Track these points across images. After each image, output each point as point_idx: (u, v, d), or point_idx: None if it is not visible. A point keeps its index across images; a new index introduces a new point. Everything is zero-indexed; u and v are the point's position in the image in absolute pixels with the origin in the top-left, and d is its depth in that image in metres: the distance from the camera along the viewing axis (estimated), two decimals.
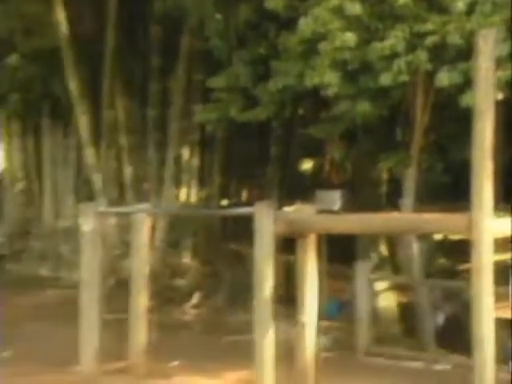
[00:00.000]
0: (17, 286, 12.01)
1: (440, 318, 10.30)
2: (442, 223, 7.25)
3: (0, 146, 15.61)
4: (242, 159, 14.04)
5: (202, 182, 13.03)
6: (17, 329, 9.82)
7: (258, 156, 13.66)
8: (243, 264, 11.89)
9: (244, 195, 15.15)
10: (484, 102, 6.72)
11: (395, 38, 8.15)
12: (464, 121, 8.27)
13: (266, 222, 6.98)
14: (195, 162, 12.68)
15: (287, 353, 7.44)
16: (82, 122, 12.53)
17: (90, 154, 12.58)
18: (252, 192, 14.73)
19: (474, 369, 6.46)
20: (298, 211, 7.55)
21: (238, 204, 14.24)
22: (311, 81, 8.61)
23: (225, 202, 13.87)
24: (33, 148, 14.22)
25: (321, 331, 7.99)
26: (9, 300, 11.23)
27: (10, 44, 12.80)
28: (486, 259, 6.64)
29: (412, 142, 9.71)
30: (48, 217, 13.46)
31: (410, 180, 9.84)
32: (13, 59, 12.82)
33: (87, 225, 8.07)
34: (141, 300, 8.20)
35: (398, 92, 9.01)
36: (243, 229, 12.86)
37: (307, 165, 16.15)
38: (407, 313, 10.42)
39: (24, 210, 14.12)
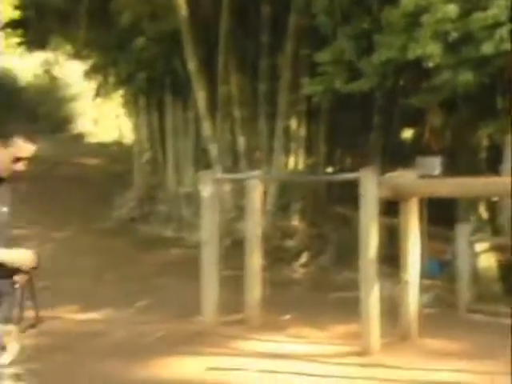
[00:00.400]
0: (145, 245, 12.27)
1: None
2: None
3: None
4: (346, 128, 13.92)
5: (309, 151, 12.97)
6: (147, 283, 10.06)
7: (361, 125, 13.49)
8: (348, 226, 11.81)
9: (348, 162, 14.95)
10: None
11: (498, 8, 7.84)
12: None
13: (371, 186, 6.88)
14: (302, 131, 12.61)
15: (390, 309, 7.38)
16: (200, 97, 12.60)
17: (206, 126, 12.66)
18: (355, 159, 14.52)
19: None
20: (401, 176, 7.39)
21: (343, 171, 14.12)
22: (413, 53, 8.41)
23: (330, 169, 13.74)
24: (157, 122, 14.42)
25: (423, 289, 7.87)
26: (139, 257, 11.49)
27: (137, 28, 12.96)
28: None
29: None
30: (171, 183, 13.65)
31: (510, 146, 9.56)
32: (139, 42, 12.99)
33: (206, 190, 8.14)
34: (254, 259, 8.24)
35: (500, 60, 8.68)
36: (347, 193, 12.78)
37: (408, 133, 15.91)
38: (507, 272, 10.14)
39: (150, 177, 14.36)
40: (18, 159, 3.79)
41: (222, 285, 8.17)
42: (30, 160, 3.84)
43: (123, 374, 6.30)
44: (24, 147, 3.81)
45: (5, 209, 3.87)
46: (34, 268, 3.80)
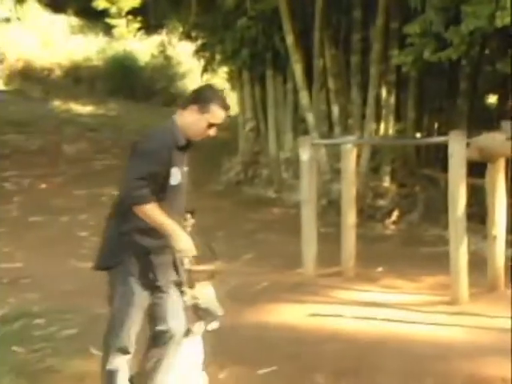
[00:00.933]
0: (250, 204, 12.36)
1: None
2: None
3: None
4: (433, 95, 13.62)
5: (398, 117, 12.70)
6: (252, 238, 10.14)
7: (448, 92, 13.15)
8: (435, 186, 11.58)
9: (435, 128, 14.57)
10: None
11: None
12: None
13: (459, 148, 6.67)
14: (392, 100, 12.34)
15: (478, 262, 7.23)
16: (297, 69, 12.51)
17: (303, 97, 12.57)
18: (442, 124, 14.13)
19: None
20: (489, 139, 7.13)
21: (430, 135, 13.83)
22: (501, 21, 8.02)
23: (418, 134, 13.43)
24: (259, 94, 14.39)
25: (509, 243, 7.63)
26: (245, 216, 11.57)
27: (240, 9, 12.94)
28: None
29: None
30: (272, 149, 13.63)
31: None
32: (242, 21, 12.98)
33: (304, 155, 8.10)
34: (349, 216, 8.18)
35: None
36: (434, 156, 12.53)
37: (492, 98, 15.41)
38: None
39: (253, 144, 14.38)
40: (211, 125, 3.83)
41: (320, 240, 8.16)
42: (219, 126, 3.87)
43: (235, 318, 6.34)
44: (218, 114, 3.82)
45: (186, 168, 3.92)
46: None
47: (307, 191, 8.13)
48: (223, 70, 17.23)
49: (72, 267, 8.22)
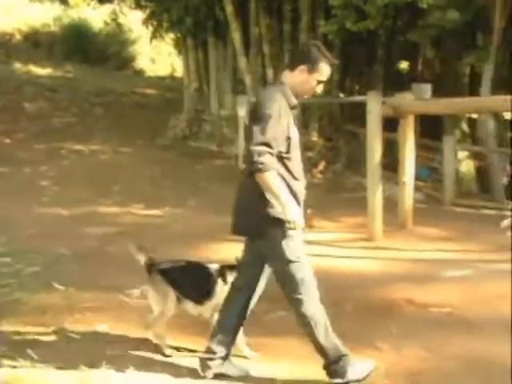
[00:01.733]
0: (195, 156, 12.27)
1: (506, 178, 9.89)
2: None
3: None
4: (355, 61, 13.62)
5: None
6: (196, 186, 10.09)
7: (367, 58, 13.19)
8: (357, 140, 11.71)
9: (356, 89, 14.64)
10: None
11: None
12: None
13: (376, 106, 6.74)
14: None
15: (390, 205, 7.37)
16: (236, 36, 12.37)
17: (242, 61, 12.47)
18: (362, 86, 14.23)
19: None
20: (401, 98, 7.23)
21: (352, 95, 13.90)
22: None
23: (342, 94, 13.50)
24: (202, 58, 14.19)
25: (416, 189, 7.81)
26: (190, 167, 11.50)
27: None
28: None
29: (491, 42, 9.11)
30: (214, 107, 13.53)
31: (488, 73, 9.31)
32: None
33: (242, 112, 8.05)
34: None
35: (481, 1, 8.39)
36: (356, 114, 12.64)
37: (404, 64, 15.54)
38: (483, 174, 10.01)
39: (197, 103, 14.22)
40: (319, 82, 3.56)
41: None
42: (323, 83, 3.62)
43: (182, 255, 6.33)
44: (326, 71, 3.54)
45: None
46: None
47: (245, 145, 8.11)
48: (170, 37, 16.86)
49: (35, 213, 8.08)
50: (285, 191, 3.39)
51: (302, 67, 3.49)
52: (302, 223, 3.42)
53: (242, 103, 8.09)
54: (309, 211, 8.37)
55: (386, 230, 6.98)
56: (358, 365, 3.54)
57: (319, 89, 3.61)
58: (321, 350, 3.53)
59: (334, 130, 12.45)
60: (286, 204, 3.36)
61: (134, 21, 22.18)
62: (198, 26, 13.32)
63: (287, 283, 3.57)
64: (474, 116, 10.57)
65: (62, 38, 22.08)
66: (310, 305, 3.55)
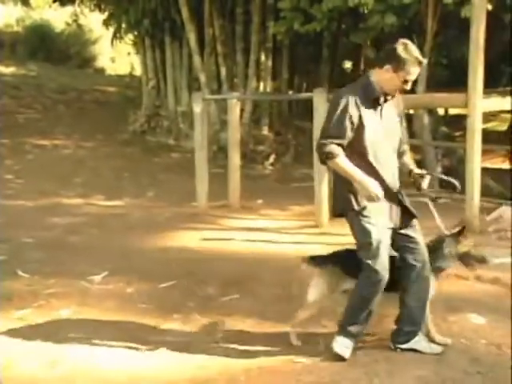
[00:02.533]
0: (152, 150, 12.18)
1: (439, 169, 10.07)
2: (447, 100, 6.97)
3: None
4: (302, 60, 13.68)
5: (274, 77, 12.74)
6: (155, 178, 10.02)
7: (313, 58, 13.26)
8: (304, 134, 11.78)
9: (304, 86, 14.71)
10: (479, 11, 6.31)
11: None
12: (463, 27, 7.84)
13: (322, 102, 6.77)
14: (269, 63, 12.34)
15: None
16: (191, 37, 12.24)
17: (197, 60, 12.36)
18: (309, 84, 14.32)
19: (465, 200, 6.41)
20: None
21: (300, 92, 13.94)
22: (352, 2, 8.19)
23: (290, 92, 13.54)
24: (159, 57, 14.00)
25: None
26: (148, 160, 11.39)
27: None
28: (476, 127, 6.41)
29: (424, 44, 9.29)
30: (171, 104, 13.39)
31: (423, 73, 9.45)
32: None
33: (197, 108, 7.98)
34: (235, 160, 8.19)
35: (415, 7, 8.56)
36: (303, 109, 12.71)
37: (348, 64, 15.69)
38: (418, 165, 10.18)
39: (155, 100, 14.05)
40: (405, 81, 3.43)
41: (211, 179, 8.16)
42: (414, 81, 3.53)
43: (141, 243, 6.34)
44: (413, 71, 3.42)
45: (393, 122, 3.57)
46: None
47: (200, 139, 8.06)
48: (129, 37, 16.59)
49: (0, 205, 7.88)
50: (358, 170, 3.40)
51: (388, 66, 3.42)
52: (380, 197, 3.40)
53: (197, 100, 8.02)
54: (259, 201, 8.44)
55: (331, 218, 7.02)
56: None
57: (408, 86, 3.49)
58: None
59: (283, 125, 12.50)
60: (361, 180, 3.39)
61: (94, 22, 21.79)
62: (155, 27, 13.16)
63: (362, 266, 3.54)
64: (411, 111, 10.73)
65: (24, 38, 21.51)
66: (371, 289, 3.52)
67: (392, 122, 3.58)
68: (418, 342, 3.62)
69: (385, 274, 3.49)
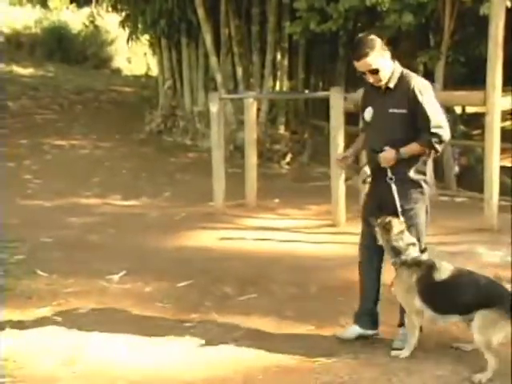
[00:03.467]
0: (169, 150, 12.19)
1: (457, 168, 10.00)
2: (465, 98, 6.92)
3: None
4: (319, 60, 13.61)
5: (291, 77, 12.72)
6: (171, 178, 10.04)
7: (330, 57, 13.21)
8: (321, 133, 11.75)
9: (320, 86, 14.65)
10: (497, 9, 6.24)
11: None
12: (481, 25, 7.79)
13: (338, 101, 6.75)
14: (285, 62, 12.33)
15: (353, 193, 7.39)
16: (207, 37, 12.25)
17: (213, 60, 12.35)
18: (325, 83, 14.26)
19: (484, 200, 6.36)
20: (361, 94, 7.24)
21: (316, 91, 13.89)
22: (370, 1, 8.20)
23: (307, 91, 13.50)
24: (175, 58, 14.02)
25: None
26: (165, 160, 11.42)
27: None
28: (495, 125, 6.34)
29: (441, 42, 9.24)
30: (187, 104, 13.40)
31: (440, 71, 9.44)
32: None
33: (213, 108, 7.98)
34: (251, 159, 8.19)
35: (432, 5, 8.49)
36: (320, 109, 12.67)
37: None
38: (435, 163, 10.10)
39: (171, 100, 14.07)
40: (363, 73, 3.72)
41: (228, 179, 8.16)
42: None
43: (158, 243, 6.37)
44: (356, 65, 3.70)
45: (390, 110, 3.72)
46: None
47: (216, 138, 8.06)
48: (145, 38, 16.66)
49: (19, 205, 7.96)
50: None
51: None
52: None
53: (214, 99, 8.03)
54: (276, 200, 8.45)
55: (348, 217, 7.01)
56: None
57: (369, 78, 3.70)
58: None
59: (299, 124, 12.47)
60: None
61: (110, 23, 21.93)
62: (171, 27, 13.18)
63: None
64: None
65: (42, 40, 21.70)
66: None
67: (385, 115, 3.69)
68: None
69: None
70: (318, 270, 5.28)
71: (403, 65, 3.87)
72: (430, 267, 3.51)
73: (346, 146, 7.12)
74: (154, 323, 4.18)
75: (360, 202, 7.35)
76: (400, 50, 12.01)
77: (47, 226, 6.88)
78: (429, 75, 10.80)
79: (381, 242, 3.68)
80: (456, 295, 3.40)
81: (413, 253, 3.57)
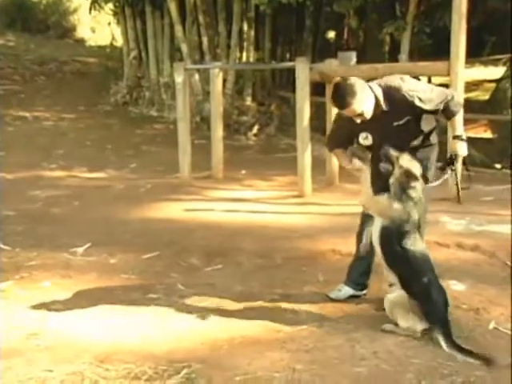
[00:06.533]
0: (135, 121, 12.03)
1: None
2: (429, 68, 6.97)
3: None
4: (285, 30, 13.52)
5: (257, 47, 12.61)
6: (137, 150, 9.94)
7: (297, 27, 13.11)
8: (287, 104, 11.73)
9: (286, 57, 14.57)
10: None
11: None
12: None
13: (304, 72, 6.73)
14: (252, 33, 12.20)
15: (319, 164, 7.43)
16: (172, 6, 12.02)
17: (178, 30, 12.15)
18: (292, 54, 14.19)
19: None
20: (327, 65, 7.23)
21: (283, 62, 13.81)
22: None
23: (273, 62, 13.41)
24: (140, 27, 13.76)
25: None
26: (131, 131, 11.25)
27: None
28: (459, 94, 6.39)
29: (407, 13, 9.25)
30: (153, 74, 13.21)
31: (406, 41, 9.48)
32: None
33: (179, 78, 7.88)
34: (218, 130, 8.14)
35: None
36: (287, 80, 12.62)
37: (331, 34, 15.55)
38: None
39: (137, 70, 13.84)
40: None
41: (194, 150, 8.11)
42: None
43: (124, 215, 6.31)
44: None
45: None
46: None
47: (182, 110, 7.98)
48: (109, 7, 16.27)
49: None
50: None
51: None
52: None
53: (179, 70, 7.91)
54: (243, 171, 8.43)
55: (314, 188, 7.06)
56: None
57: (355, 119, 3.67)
58: None
59: (266, 96, 12.42)
60: None
61: None
62: None
63: None
64: None
65: (2, 7, 21.04)
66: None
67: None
68: None
69: None
70: (284, 240, 5.30)
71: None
72: None
73: (312, 117, 7.13)
74: (119, 295, 4.15)
75: (326, 172, 7.42)
76: (367, 20, 12.03)
77: (10, 200, 6.75)
78: (395, 46, 10.88)
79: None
80: None
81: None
